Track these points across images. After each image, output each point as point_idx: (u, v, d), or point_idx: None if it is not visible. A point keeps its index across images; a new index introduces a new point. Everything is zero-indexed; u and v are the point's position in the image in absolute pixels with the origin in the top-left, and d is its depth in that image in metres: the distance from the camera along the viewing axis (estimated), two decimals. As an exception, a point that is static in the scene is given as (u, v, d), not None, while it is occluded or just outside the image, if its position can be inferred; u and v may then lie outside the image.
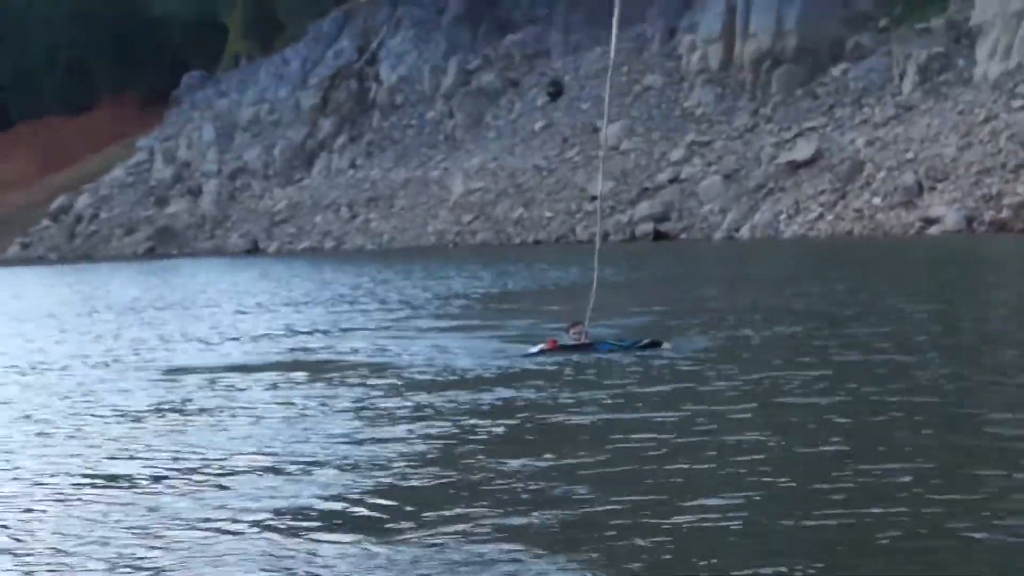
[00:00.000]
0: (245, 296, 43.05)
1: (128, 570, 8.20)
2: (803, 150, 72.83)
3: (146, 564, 8.29)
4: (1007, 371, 15.86)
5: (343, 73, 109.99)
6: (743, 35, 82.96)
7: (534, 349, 20.35)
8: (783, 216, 69.31)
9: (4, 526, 9.60)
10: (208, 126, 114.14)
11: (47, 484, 11.23)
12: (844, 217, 66.26)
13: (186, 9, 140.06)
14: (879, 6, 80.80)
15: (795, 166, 72.15)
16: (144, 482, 11.06)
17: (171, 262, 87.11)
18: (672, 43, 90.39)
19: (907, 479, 9.53)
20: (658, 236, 75.18)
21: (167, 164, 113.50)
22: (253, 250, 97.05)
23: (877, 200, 65.30)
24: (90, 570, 8.27)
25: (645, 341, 20.18)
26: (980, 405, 13.34)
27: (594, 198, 79.61)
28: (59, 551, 8.74)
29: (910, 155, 66.44)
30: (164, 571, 8.12)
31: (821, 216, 67.36)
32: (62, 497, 10.65)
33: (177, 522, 9.37)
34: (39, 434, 14.33)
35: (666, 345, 19.89)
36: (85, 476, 11.54)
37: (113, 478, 11.32)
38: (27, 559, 8.61)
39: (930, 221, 61.82)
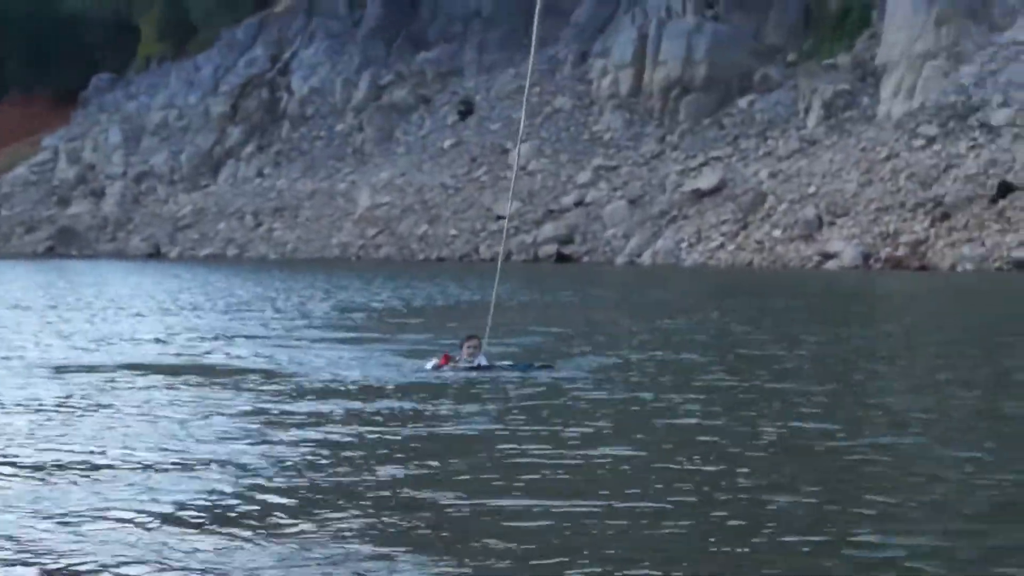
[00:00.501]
0: (144, 299, 42.92)
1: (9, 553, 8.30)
2: (708, 179, 73.62)
3: (32, 547, 8.40)
4: (885, 395, 16.27)
5: (255, 82, 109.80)
6: (653, 62, 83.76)
7: (428, 364, 20.45)
8: (684, 244, 69.97)
9: None
10: (115, 128, 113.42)
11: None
12: (745, 247, 67.01)
13: (100, 9, 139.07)
14: (789, 40, 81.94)
15: (699, 194, 72.90)
16: (32, 471, 11.15)
17: (71, 263, 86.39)
18: (584, 67, 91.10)
19: (770, 503, 9.83)
20: (561, 258, 75.58)
21: (71, 164, 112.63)
22: (155, 254, 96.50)
23: (777, 232, 66.13)
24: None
25: (537, 364, 20.33)
26: (853, 424, 13.69)
27: (500, 217, 79.96)
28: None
29: (812, 189, 67.39)
30: (46, 555, 8.24)
31: (722, 245, 68.08)
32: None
33: (62, 511, 9.48)
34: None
35: (555, 369, 20.03)
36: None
37: (2, 466, 11.40)
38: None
39: (828, 256, 62.68)
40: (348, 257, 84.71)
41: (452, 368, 19.97)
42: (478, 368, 19.94)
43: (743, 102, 80.00)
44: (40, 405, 16.10)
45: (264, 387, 18.10)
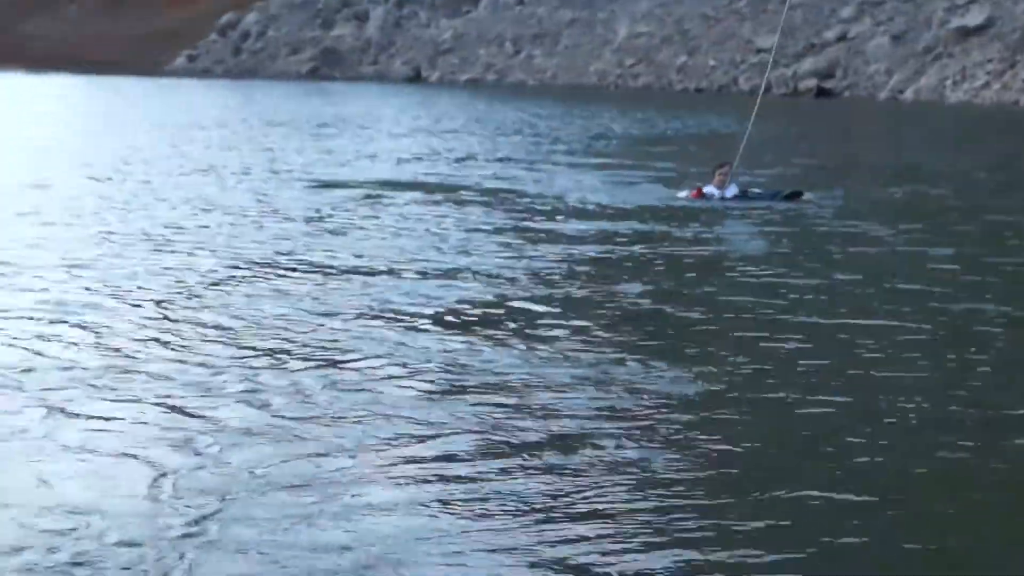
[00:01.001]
0: (407, 120, 43.87)
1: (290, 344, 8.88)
2: (975, 16, 71.48)
3: (310, 341, 8.97)
4: None
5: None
6: None
7: (681, 194, 20.64)
8: (949, 81, 68.32)
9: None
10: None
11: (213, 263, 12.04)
12: (1011, 87, 65.17)
13: None
14: None
15: (965, 32, 70.90)
16: (308, 274, 11.80)
17: (333, 84, 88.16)
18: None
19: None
20: (821, 92, 74.49)
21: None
22: (415, 78, 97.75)
23: (1046, 72, 64.24)
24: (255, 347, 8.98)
25: (787, 191, 20.35)
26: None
27: (760, 50, 79.13)
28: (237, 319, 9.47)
29: (1086, 28, 65.12)
30: (323, 348, 8.79)
31: (987, 84, 66.31)
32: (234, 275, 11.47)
33: (337, 311, 10.05)
34: (219, 223, 15.30)
35: (807, 196, 20.04)
36: (248, 261, 12.33)
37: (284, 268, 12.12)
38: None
39: (1100, 97, 60.77)
40: (606, 86, 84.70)
41: (704, 199, 20.13)
42: (730, 198, 20.06)
43: (1017, -63, 77.17)
44: (314, 214, 16.88)
45: (519, 206, 18.58)
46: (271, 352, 8.65)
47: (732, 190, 20.28)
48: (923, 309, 10.59)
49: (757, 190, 20.73)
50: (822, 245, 14.95)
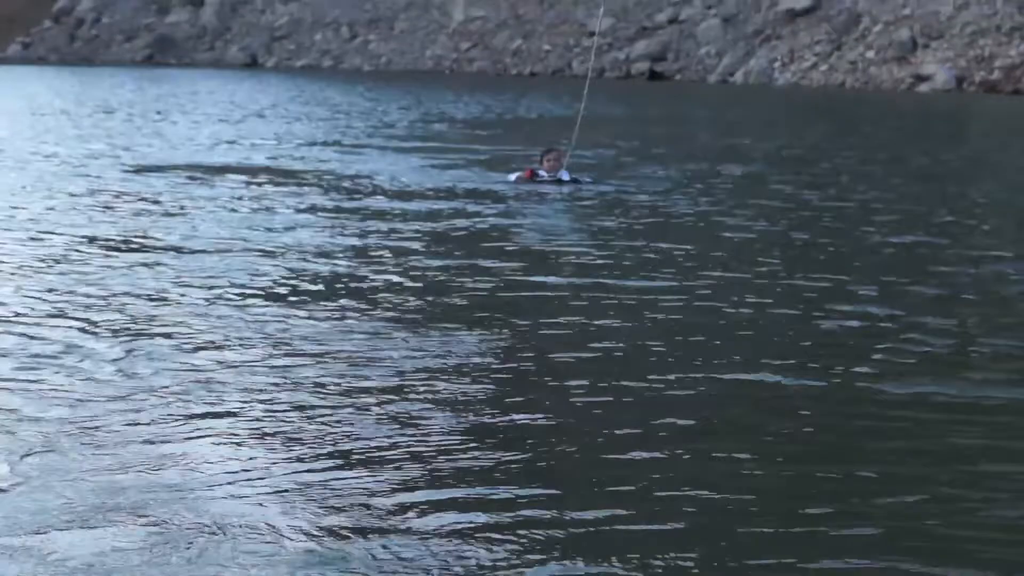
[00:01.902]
0: (240, 106, 43.89)
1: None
2: (803, -1, 73.10)
3: (122, 320, 9.29)
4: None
5: None
6: None
7: (511, 176, 20.95)
8: (777, 63, 69.81)
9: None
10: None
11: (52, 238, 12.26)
12: (838, 68, 66.80)
13: None
14: None
15: (793, 14, 72.44)
16: (133, 254, 12.10)
17: (170, 71, 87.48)
18: None
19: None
20: (653, 76, 75.60)
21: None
22: (251, 64, 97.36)
23: (871, 54, 65.82)
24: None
25: (613, 181, 20.81)
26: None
27: (592, 34, 79.97)
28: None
29: (907, 11, 66.82)
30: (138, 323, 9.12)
31: (815, 66, 67.89)
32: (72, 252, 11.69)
33: (156, 288, 10.38)
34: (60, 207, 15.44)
35: (633, 185, 20.47)
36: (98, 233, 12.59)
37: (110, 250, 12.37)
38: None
39: (921, 78, 62.43)
40: (441, 70, 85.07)
41: (535, 182, 20.43)
42: (559, 182, 20.36)
43: (842, -81, 78.91)
44: (147, 197, 17.13)
45: (345, 189, 18.95)
46: (98, 325, 8.97)
47: (564, 174, 20.58)
48: (718, 280, 11.17)
49: (588, 179, 21.07)
50: (627, 220, 15.54)
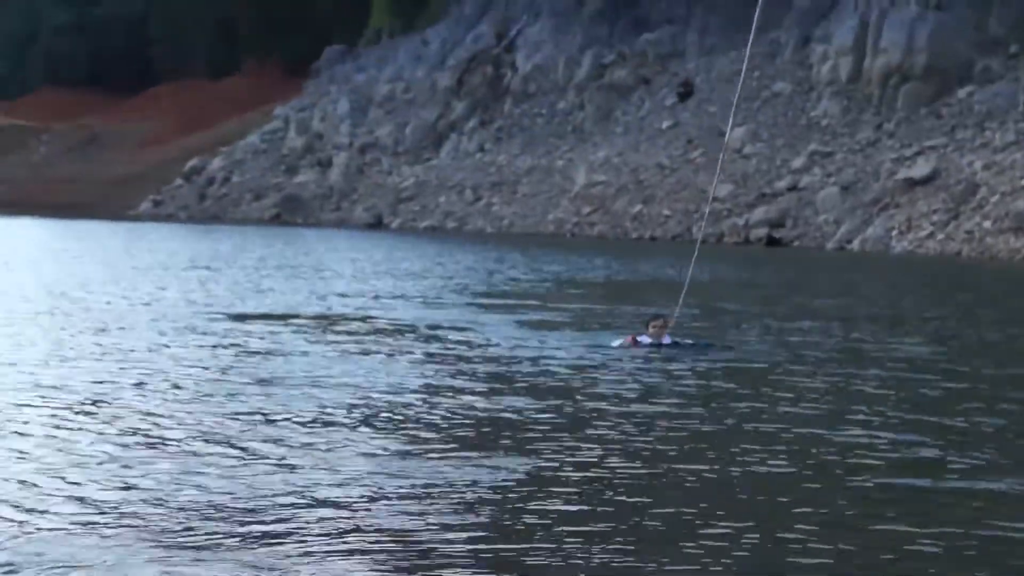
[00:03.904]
0: (360, 264, 45.18)
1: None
2: (921, 168, 73.50)
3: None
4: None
5: (480, 57, 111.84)
6: (874, 50, 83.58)
7: (615, 343, 21.54)
8: (895, 232, 70.09)
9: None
10: (344, 99, 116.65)
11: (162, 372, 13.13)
12: (954, 238, 66.93)
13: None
14: (1012, 32, 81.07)
15: (912, 183, 72.85)
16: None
17: (297, 230, 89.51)
18: (804, 52, 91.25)
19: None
20: (771, 242, 76.14)
21: (300, 134, 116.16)
22: (376, 224, 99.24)
23: (988, 224, 65.92)
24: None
25: (720, 345, 21.30)
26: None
27: (714, 199, 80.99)
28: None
29: (1024, 182, 67.05)
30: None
31: (932, 235, 68.08)
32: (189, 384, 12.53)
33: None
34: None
35: (736, 351, 20.91)
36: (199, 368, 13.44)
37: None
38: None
39: (1038, 247, 62.49)
40: (563, 233, 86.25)
41: (639, 342, 21.00)
42: (659, 346, 20.93)
43: (962, 92, 79.46)
44: (244, 345, 18.04)
45: (449, 348, 19.74)
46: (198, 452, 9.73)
47: (667, 338, 21.14)
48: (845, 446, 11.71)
49: (690, 341, 21.60)
50: (720, 383, 16.10)
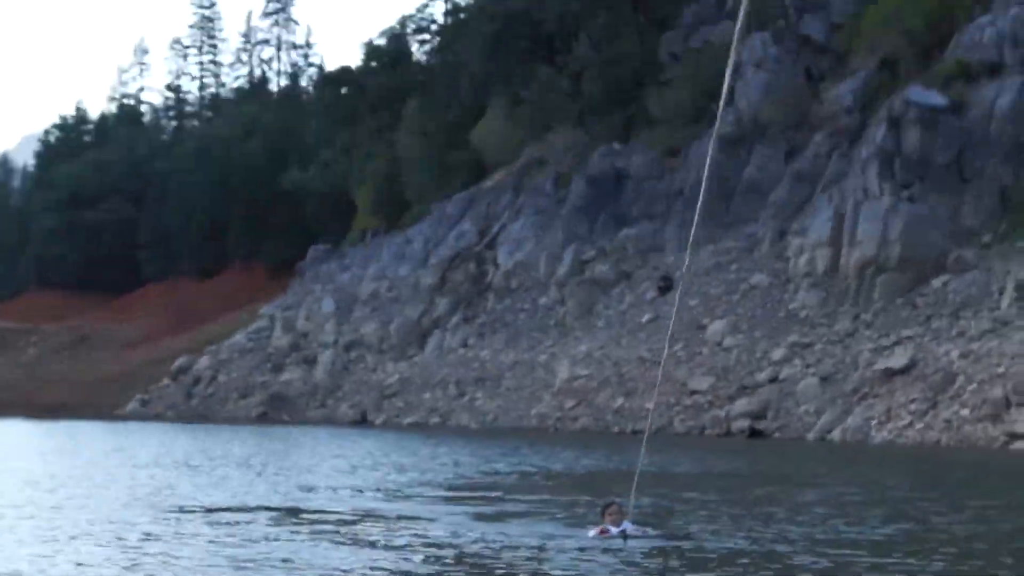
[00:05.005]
0: (342, 459, 45.53)
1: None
2: (899, 358, 74.15)
3: None
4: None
5: (463, 254, 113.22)
6: (850, 242, 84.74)
7: (590, 533, 22.06)
8: (874, 421, 70.51)
9: None
10: (329, 298, 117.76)
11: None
12: (933, 427, 67.33)
13: (318, 182, 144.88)
14: (984, 222, 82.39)
15: (890, 373, 73.42)
16: None
17: (283, 428, 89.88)
18: (781, 245, 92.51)
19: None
20: (754, 433, 76.52)
21: (286, 332, 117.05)
22: (361, 421, 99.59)
23: (965, 412, 66.38)
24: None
25: (677, 533, 21.77)
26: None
27: (695, 392, 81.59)
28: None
29: (1001, 369, 67.58)
30: None
31: (911, 424, 68.50)
32: None
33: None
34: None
35: (693, 538, 21.38)
36: None
37: None
38: None
39: (1015, 435, 62.79)
40: (546, 427, 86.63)
41: (607, 538, 21.55)
42: (624, 536, 21.43)
43: (937, 282, 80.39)
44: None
45: (416, 536, 20.11)
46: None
47: (627, 525, 21.69)
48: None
49: (648, 529, 22.10)
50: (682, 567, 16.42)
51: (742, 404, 79.23)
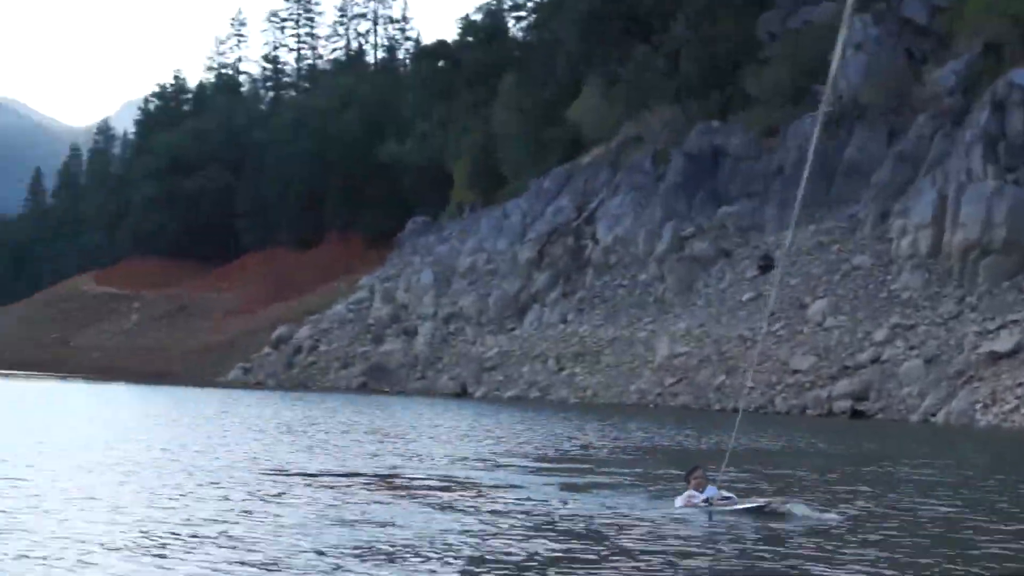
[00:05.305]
0: (443, 428, 46.72)
1: None
2: (1005, 341, 74.35)
3: None
4: None
5: (561, 230, 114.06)
6: (953, 224, 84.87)
7: (678, 502, 22.73)
8: (979, 405, 70.82)
9: None
10: (428, 270, 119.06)
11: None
12: (1040, 410, 67.62)
13: (415, 155, 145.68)
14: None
15: (995, 357, 73.68)
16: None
17: (384, 398, 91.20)
18: (883, 226, 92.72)
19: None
20: (855, 414, 77.00)
21: (385, 303, 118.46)
22: (461, 393, 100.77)
23: (1073, 395, 66.67)
24: None
25: (762, 504, 22.10)
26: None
27: (796, 371, 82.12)
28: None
29: (1110, 354, 67.78)
30: None
31: (1017, 408, 68.80)
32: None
33: None
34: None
35: (787, 508, 21.67)
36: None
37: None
38: None
39: (1124, 422, 63.09)
40: (646, 404, 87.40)
41: (694, 506, 22.23)
42: (710, 503, 21.98)
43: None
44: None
45: (506, 500, 21.41)
46: None
47: (712, 490, 22.31)
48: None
49: (729, 494, 22.66)
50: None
51: (844, 385, 79.71)
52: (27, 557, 15.19)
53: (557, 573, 14.98)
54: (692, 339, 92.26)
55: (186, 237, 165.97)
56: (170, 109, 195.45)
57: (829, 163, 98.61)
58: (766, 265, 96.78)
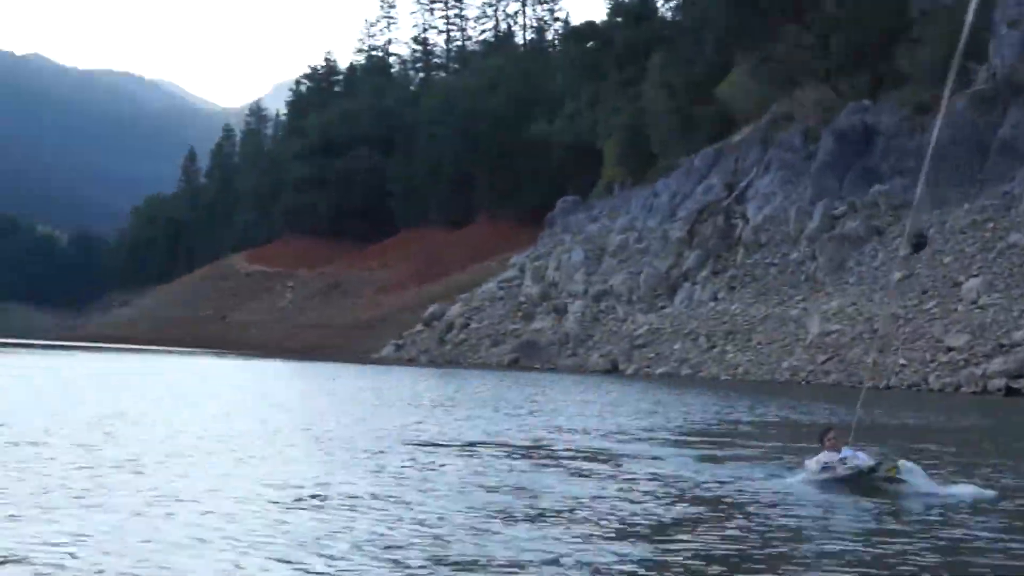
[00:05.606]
0: (598, 406, 47.30)
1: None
2: None
3: None
4: None
5: (711, 208, 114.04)
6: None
7: (812, 465, 22.40)
8: None
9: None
10: (578, 249, 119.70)
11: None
12: None
13: (564, 134, 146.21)
14: None
15: None
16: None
17: (535, 375, 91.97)
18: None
19: None
20: (1010, 392, 76.14)
21: (536, 282, 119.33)
22: (612, 370, 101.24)
23: None
24: None
25: (874, 463, 21.46)
26: None
27: (951, 349, 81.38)
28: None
29: None
30: None
31: None
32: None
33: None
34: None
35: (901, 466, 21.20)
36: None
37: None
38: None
39: None
40: (797, 381, 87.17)
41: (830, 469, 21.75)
42: (844, 465, 21.37)
43: None
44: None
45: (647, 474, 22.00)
46: None
47: (848, 451, 21.76)
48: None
49: (864, 455, 21.94)
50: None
51: (999, 363, 78.83)
52: (213, 513, 16.11)
53: (683, 535, 15.57)
54: (844, 317, 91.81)
55: (338, 217, 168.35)
56: (321, 91, 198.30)
57: (983, 141, 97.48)
58: (919, 244, 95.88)
